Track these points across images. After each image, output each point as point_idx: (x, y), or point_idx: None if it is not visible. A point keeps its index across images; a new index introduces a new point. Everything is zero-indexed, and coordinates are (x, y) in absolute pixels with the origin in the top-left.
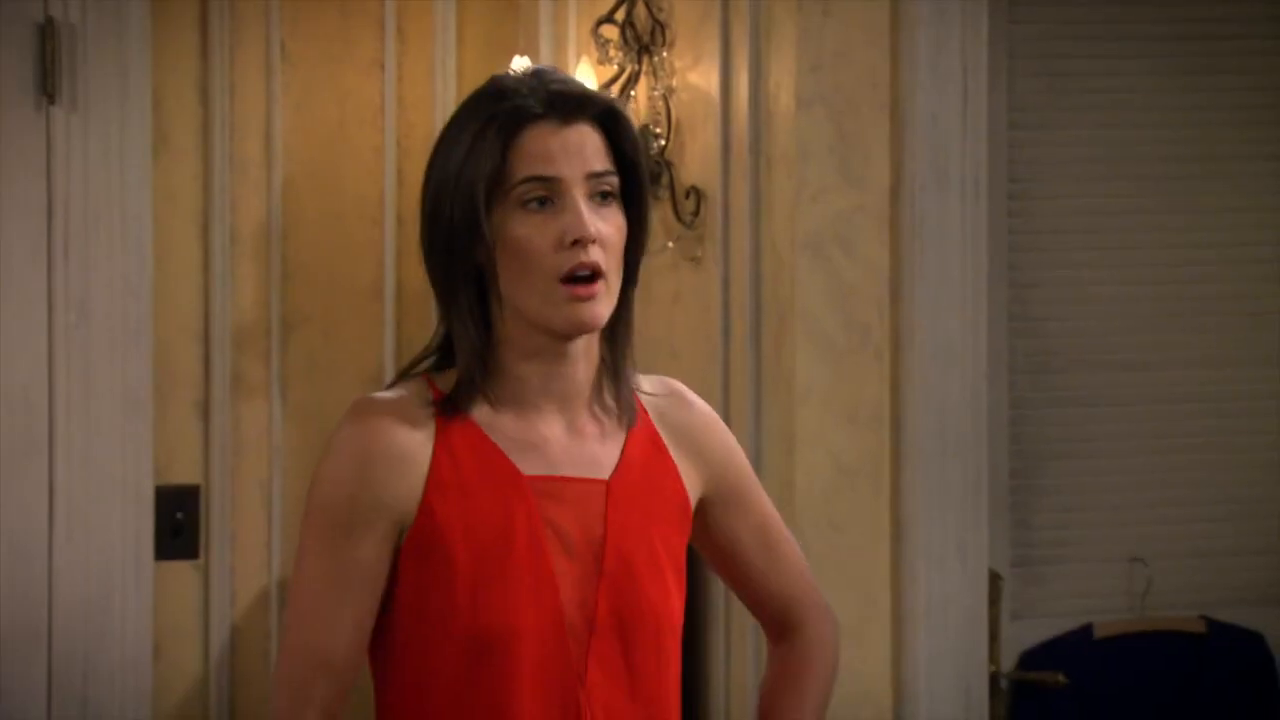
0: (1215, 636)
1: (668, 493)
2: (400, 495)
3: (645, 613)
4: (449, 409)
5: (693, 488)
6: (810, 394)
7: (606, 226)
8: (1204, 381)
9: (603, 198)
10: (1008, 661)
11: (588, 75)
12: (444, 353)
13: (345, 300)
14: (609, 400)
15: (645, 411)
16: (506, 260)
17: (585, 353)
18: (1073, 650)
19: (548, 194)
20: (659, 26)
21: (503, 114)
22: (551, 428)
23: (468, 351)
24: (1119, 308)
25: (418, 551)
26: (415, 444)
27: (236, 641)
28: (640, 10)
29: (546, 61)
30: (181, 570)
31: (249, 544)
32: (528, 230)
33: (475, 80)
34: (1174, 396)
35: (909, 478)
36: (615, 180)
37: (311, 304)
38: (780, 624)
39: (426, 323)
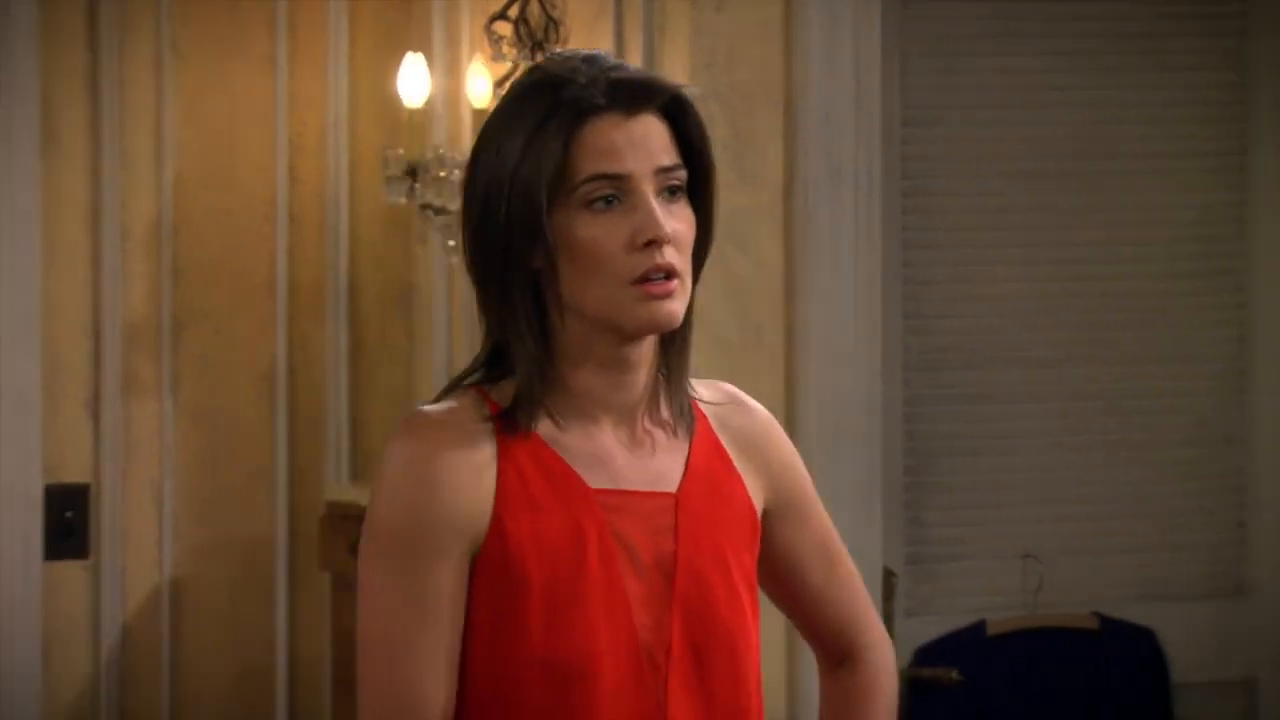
0: (1107, 633)
1: (736, 505)
2: (473, 514)
3: (722, 635)
4: (509, 423)
5: (757, 499)
6: None
7: (678, 224)
8: (1097, 379)
9: (671, 193)
10: (902, 658)
11: (481, 73)
12: (492, 365)
13: (237, 297)
14: (666, 410)
15: (705, 419)
16: (570, 264)
17: (646, 360)
18: (966, 647)
19: (615, 192)
20: (552, 23)
21: (563, 106)
22: (613, 441)
23: (527, 363)
24: (1013, 305)
25: (490, 573)
26: (481, 459)
27: (127, 642)
28: (534, 7)
29: (439, 59)
30: (71, 570)
31: (140, 544)
32: (595, 232)
33: (368, 76)
34: (1067, 394)
35: None
36: (684, 174)
37: (203, 301)
38: (838, 649)
39: (320, 320)
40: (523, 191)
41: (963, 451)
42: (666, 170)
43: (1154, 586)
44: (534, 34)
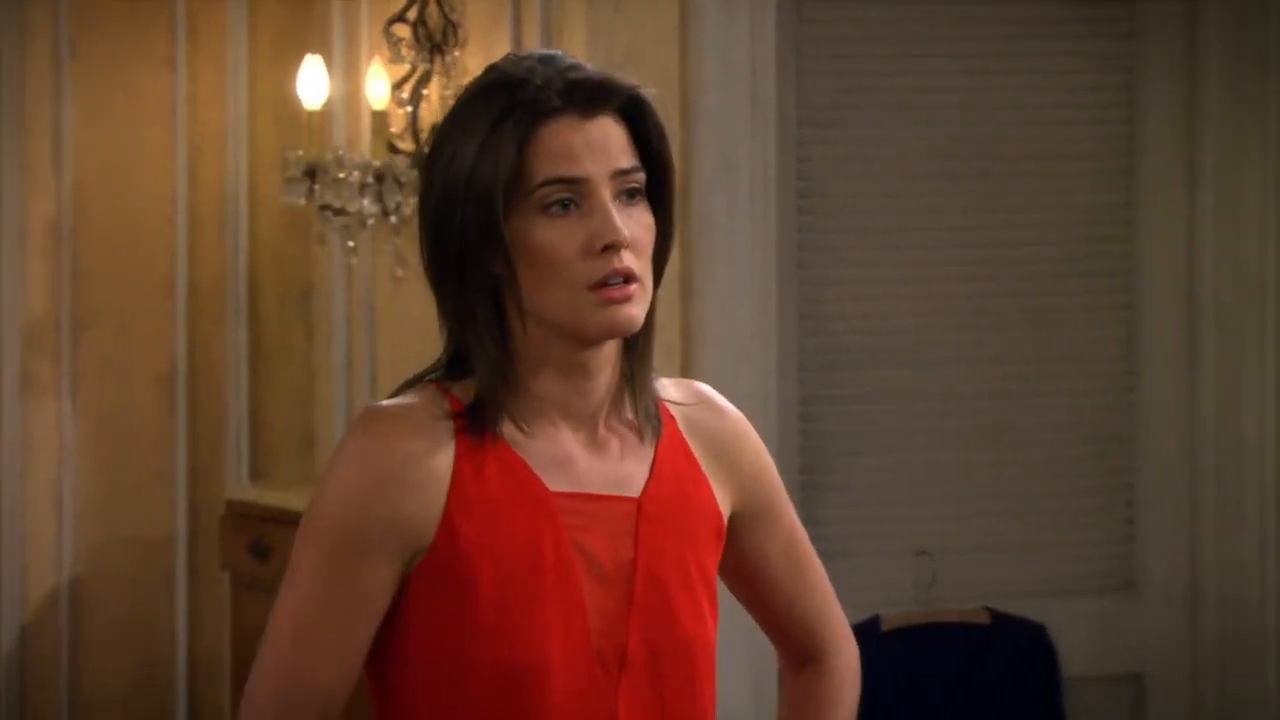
0: (999, 627)
1: (701, 510)
2: (419, 515)
3: (679, 643)
4: (471, 424)
5: (724, 503)
6: None
7: (637, 227)
8: (989, 379)
9: (629, 196)
10: None
11: (380, 75)
12: (451, 366)
13: (137, 298)
14: (631, 413)
15: (673, 421)
16: (528, 269)
17: (608, 364)
18: (861, 642)
19: (572, 196)
20: (451, 26)
21: (518, 108)
22: (574, 444)
23: (488, 368)
24: (907, 306)
25: (436, 575)
26: (437, 458)
27: (26, 640)
28: (432, 9)
29: (338, 61)
30: None
31: (39, 543)
32: (553, 237)
33: (267, 78)
34: (960, 394)
35: None
36: (642, 176)
37: (103, 302)
38: (803, 651)
39: (220, 320)
40: (478, 196)
41: (857, 450)
42: (624, 173)
43: (1045, 582)
44: (432, 36)
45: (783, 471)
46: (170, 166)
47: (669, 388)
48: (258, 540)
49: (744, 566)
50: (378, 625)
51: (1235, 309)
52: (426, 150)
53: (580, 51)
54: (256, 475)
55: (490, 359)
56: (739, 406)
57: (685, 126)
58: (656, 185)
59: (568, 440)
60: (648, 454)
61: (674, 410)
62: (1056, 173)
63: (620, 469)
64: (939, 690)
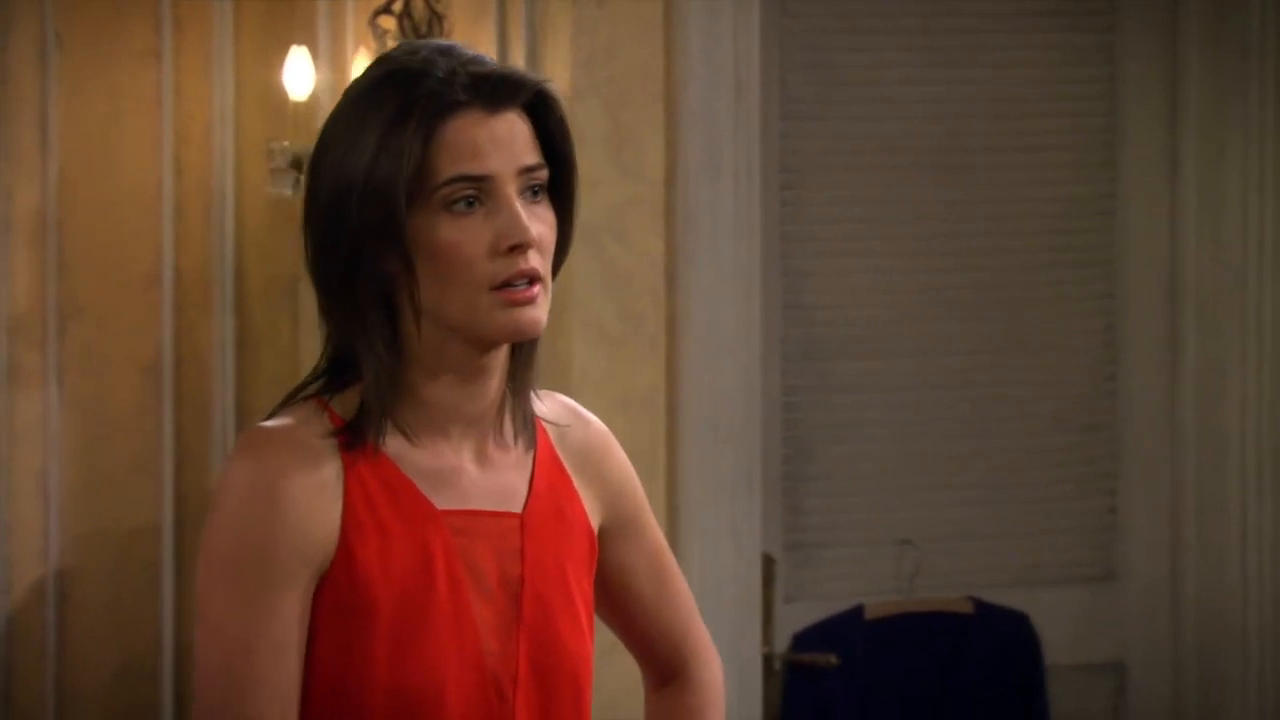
0: (982, 617)
1: (576, 526)
2: (320, 539)
3: (564, 662)
4: (354, 439)
5: (594, 516)
6: (585, 381)
7: (541, 226)
8: (970, 368)
9: (533, 193)
10: (781, 643)
11: (365, 66)
12: (332, 375)
13: (122, 289)
14: (511, 422)
15: (545, 434)
16: (428, 268)
17: (499, 369)
18: (844, 631)
19: (476, 193)
20: (436, 18)
21: (421, 101)
22: (461, 456)
23: (375, 374)
24: (888, 297)
25: (335, 598)
26: (326, 479)
27: (12, 632)
28: (418, 2)
29: (323, 52)
30: None
31: (25, 534)
32: (457, 236)
33: (253, 69)
34: (942, 383)
35: (683, 464)
36: (546, 174)
37: (88, 293)
38: (666, 666)
39: (206, 310)
40: (377, 192)
41: (840, 440)
42: (530, 170)
43: (1028, 571)
44: (418, 27)
45: (766, 462)
46: (156, 157)
47: (537, 402)
48: None
49: (609, 582)
50: (303, 654)
51: (1216, 300)
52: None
53: (564, 46)
54: None
55: (380, 363)
56: (724, 398)
57: (669, 120)
58: (558, 183)
59: (454, 451)
60: (526, 467)
61: (545, 425)
62: (1038, 164)
63: (503, 481)
64: (922, 679)
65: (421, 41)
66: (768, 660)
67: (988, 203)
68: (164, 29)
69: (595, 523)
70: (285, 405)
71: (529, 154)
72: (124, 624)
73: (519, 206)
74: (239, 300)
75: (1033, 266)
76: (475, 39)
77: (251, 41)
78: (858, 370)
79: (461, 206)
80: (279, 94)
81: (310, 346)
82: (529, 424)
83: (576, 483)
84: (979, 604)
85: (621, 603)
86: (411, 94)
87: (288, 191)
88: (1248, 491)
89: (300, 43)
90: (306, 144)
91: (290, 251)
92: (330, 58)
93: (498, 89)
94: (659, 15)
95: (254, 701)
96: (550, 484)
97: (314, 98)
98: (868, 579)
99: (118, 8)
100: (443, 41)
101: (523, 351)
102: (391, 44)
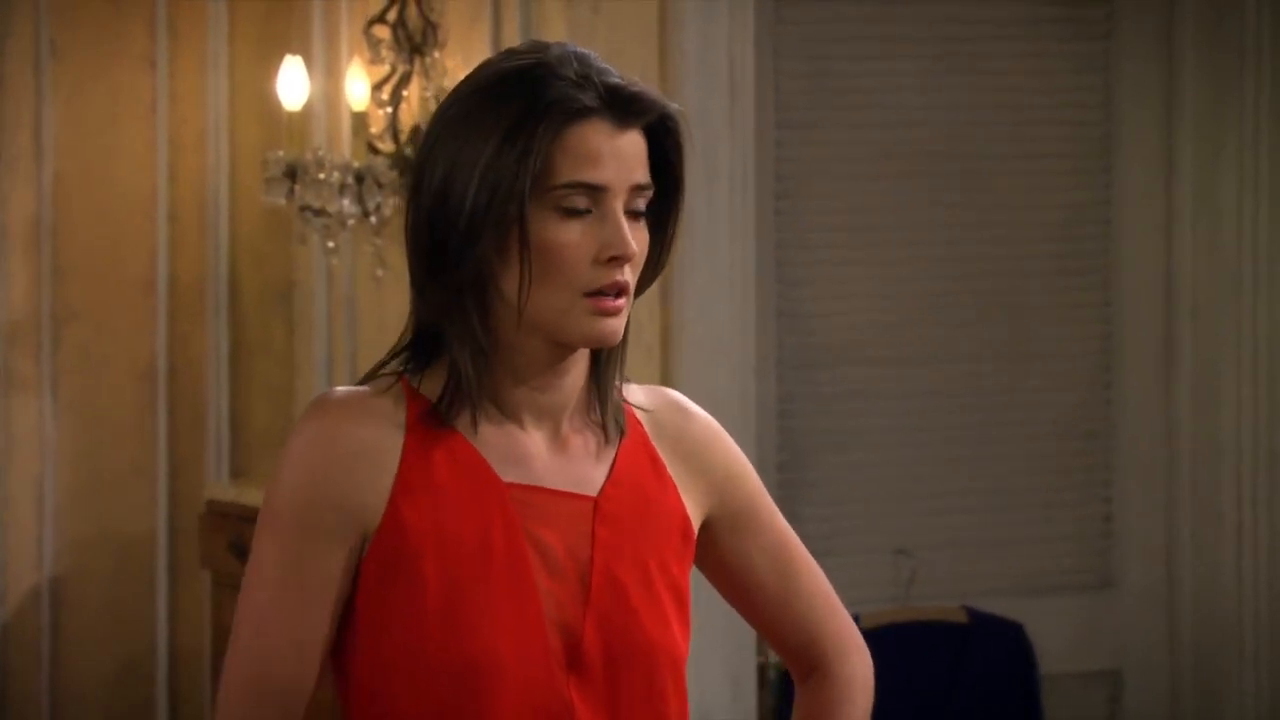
0: (976, 626)
1: (666, 514)
2: (365, 499)
3: (639, 647)
4: (426, 412)
5: (694, 508)
6: None
7: (639, 244)
8: (966, 376)
9: (635, 213)
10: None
11: (359, 76)
12: (414, 352)
13: (117, 295)
14: (595, 415)
15: (639, 425)
16: (528, 263)
17: (578, 366)
18: None
19: (590, 202)
20: (431, 27)
21: (553, 103)
22: (536, 443)
23: (468, 358)
24: (884, 304)
25: (383, 564)
26: (382, 442)
27: (8, 637)
28: (412, 11)
29: (318, 61)
30: None
31: (20, 540)
32: (567, 238)
33: (247, 77)
34: (937, 391)
35: None
36: (651, 195)
37: (83, 298)
38: (805, 661)
39: (201, 318)
40: (496, 184)
41: (835, 448)
42: (639, 189)
43: (1022, 580)
44: (412, 37)
45: (761, 470)
46: (151, 164)
47: (637, 393)
48: (237, 539)
49: (729, 575)
50: (337, 613)
51: (1212, 306)
52: (427, 126)
53: None
54: (237, 472)
55: (474, 349)
56: (719, 406)
57: None
58: (665, 205)
59: (528, 438)
60: (609, 454)
61: (641, 415)
62: (1034, 171)
63: (579, 469)
64: (918, 689)
65: (556, 42)
66: (762, 669)
67: (984, 210)
68: (159, 36)
69: (698, 514)
70: (369, 378)
71: (642, 173)
72: (118, 629)
73: (624, 220)
74: (233, 307)
75: (1029, 273)
76: (470, 47)
77: (246, 49)
78: (853, 378)
79: (574, 210)
80: (274, 102)
81: (304, 353)
82: (616, 418)
83: (674, 474)
84: (973, 613)
85: (745, 596)
86: (544, 92)
87: (281, 201)
88: (1243, 498)
89: (295, 51)
90: (300, 153)
91: (284, 259)
92: (325, 67)
93: (630, 105)
94: (654, 21)
95: (273, 639)
96: (636, 473)
97: (308, 107)
98: (863, 587)
99: (114, 14)
100: (577, 47)
101: (606, 352)
102: (386, 53)
